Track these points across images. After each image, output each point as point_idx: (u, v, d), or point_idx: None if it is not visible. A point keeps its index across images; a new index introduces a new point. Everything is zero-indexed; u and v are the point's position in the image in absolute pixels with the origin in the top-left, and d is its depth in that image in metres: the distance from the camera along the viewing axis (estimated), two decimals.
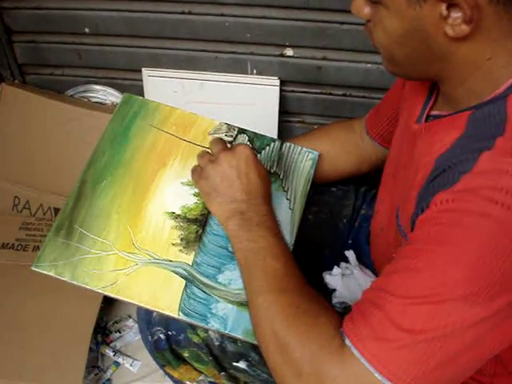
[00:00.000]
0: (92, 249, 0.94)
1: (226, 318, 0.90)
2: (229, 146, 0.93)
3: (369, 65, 1.55)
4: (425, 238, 0.67)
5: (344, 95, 1.65)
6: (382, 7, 0.70)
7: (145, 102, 1.10)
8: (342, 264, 1.06)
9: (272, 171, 1.07)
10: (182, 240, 0.97)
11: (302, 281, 0.80)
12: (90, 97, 1.79)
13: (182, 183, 1.02)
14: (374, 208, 1.07)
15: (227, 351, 1.02)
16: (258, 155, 1.08)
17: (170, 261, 0.95)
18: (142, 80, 1.68)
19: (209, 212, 0.99)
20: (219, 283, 0.94)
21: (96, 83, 1.77)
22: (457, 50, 0.69)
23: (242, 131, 1.10)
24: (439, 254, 0.65)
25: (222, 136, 1.08)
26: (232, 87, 1.63)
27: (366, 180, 1.23)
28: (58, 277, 0.91)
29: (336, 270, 1.03)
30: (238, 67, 1.62)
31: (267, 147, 1.10)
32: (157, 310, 0.91)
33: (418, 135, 0.82)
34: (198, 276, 0.94)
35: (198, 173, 0.92)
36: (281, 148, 1.11)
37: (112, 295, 0.91)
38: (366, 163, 1.18)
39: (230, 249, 0.95)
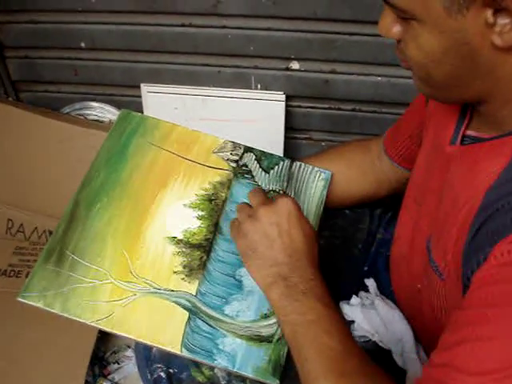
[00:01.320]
0: (85, 277, 0.87)
1: (235, 355, 0.84)
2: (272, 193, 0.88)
3: (379, 78, 1.52)
4: (488, 300, 0.59)
5: (353, 110, 1.61)
6: (416, 22, 0.63)
7: (144, 119, 1.05)
8: (361, 293, 0.99)
9: (281, 192, 1.01)
10: (184, 267, 0.90)
11: (361, 359, 0.72)
12: (87, 114, 1.78)
13: (183, 205, 0.96)
14: (392, 232, 1.00)
15: None
16: (267, 175, 1.02)
17: (172, 290, 0.88)
18: (140, 96, 1.66)
19: (214, 236, 0.93)
20: (226, 315, 0.87)
21: (93, 100, 1.77)
22: (504, 63, 0.62)
23: (248, 150, 1.05)
24: (508, 318, 0.57)
25: (228, 155, 1.02)
26: (235, 103, 1.61)
27: (381, 201, 1.16)
28: (46, 309, 0.84)
29: (355, 299, 0.96)
30: (242, 82, 1.60)
31: (276, 167, 1.04)
32: (157, 345, 0.84)
33: (453, 159, 0.76)
34: (203, 307, 0.87)
35: (236, 228, 0.85)
36: (290, 167, 1.05)
37: (107, 329, 0.84)
38: (384, 186, 1.10)
39: (238, 277, 0.90)
